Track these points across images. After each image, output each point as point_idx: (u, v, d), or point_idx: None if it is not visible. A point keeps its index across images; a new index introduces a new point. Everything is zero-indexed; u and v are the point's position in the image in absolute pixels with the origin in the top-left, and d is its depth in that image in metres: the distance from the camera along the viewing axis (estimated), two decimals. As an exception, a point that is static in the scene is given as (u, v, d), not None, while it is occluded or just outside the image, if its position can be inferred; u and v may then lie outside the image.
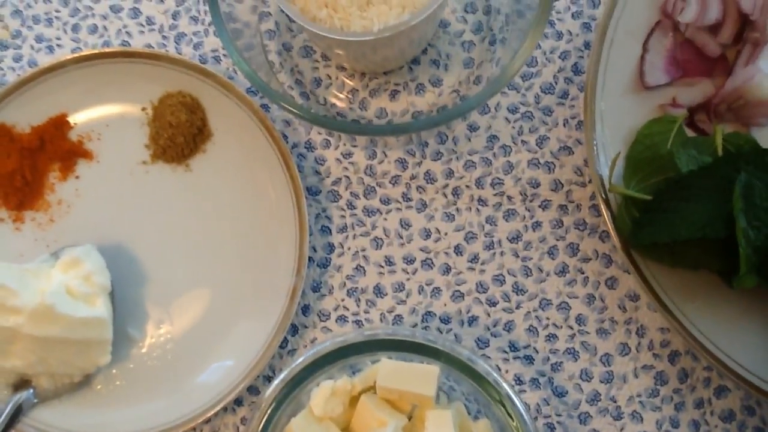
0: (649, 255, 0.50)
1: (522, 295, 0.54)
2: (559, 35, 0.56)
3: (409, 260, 0.54)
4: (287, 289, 0.52)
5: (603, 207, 0.51)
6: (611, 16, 0.53)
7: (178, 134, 0.53)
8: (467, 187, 0.55)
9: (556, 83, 0.56)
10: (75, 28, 0.58)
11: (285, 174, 0.53)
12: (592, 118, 0.52)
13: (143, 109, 0.55)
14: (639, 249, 0.50)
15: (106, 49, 0.54)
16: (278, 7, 0.50)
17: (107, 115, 0.55)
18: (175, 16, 0.58)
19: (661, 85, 0.53)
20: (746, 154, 0.48)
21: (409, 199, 0.55)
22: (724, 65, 0.53)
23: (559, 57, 0.56)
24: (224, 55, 0.57)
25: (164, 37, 0.58)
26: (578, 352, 0.53)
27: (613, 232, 0.50)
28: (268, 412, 0.46)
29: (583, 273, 0.54)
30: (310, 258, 0.54)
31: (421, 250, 0.54)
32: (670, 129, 0.52)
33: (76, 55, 0.54)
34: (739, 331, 0.49)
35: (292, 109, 0.45)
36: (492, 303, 0.54)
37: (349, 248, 0.54)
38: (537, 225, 0.54)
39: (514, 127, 0.55)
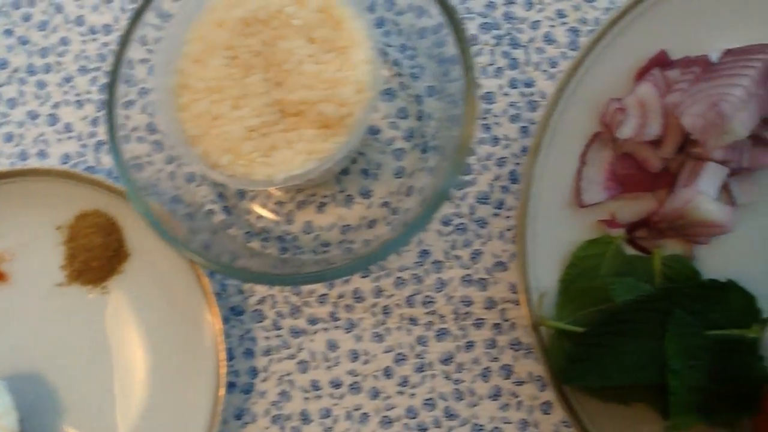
0: (580, 389, 0.47)
1: (453, 420, 0.51)
2: (496, 140, 0.54)
3: (335, 384, 0.52)
4: (206, 419, 0.50)
5: (534, 337, 0.48)
6: (547, 123, 0.50)
7: (93, 258, 0.51)
8: (397, 305, 0.52)
9: (491, 192, 0.53)
10: (-10, 136, 0.56)
11: (203, 296, 0.50)
12: (523, 238, 0.49)
13: (58, 228, 0.53)
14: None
15: (18, 168, 0.51)
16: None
17: (20, 234, 0.53)
18: (94, 122, 0.55)
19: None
20: (681, 288, 0.46)
21: (337, 319, 0.52)
22: (666, 178, 0.50)
23: (496, 164, 0.53)
24: (148, 162, 0.55)
25: (83, 146, 0.55)
26: (511, 482, 0.51)
27: (543, 363, 0.48)
28: None
29: (517, 396, 0.51)
30: (232, 383, 0.52)
31: (349, 373, 0.52)
32: (607, 251, 0.49)
33: (-16, 173, 0.51)
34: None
35: (193, 255, 0.42)
36: (422, 429, 0.51)
37: (273, 372, 0.52)
38: (470, 345, 0.52)
39: (447, 241, 0.53)
